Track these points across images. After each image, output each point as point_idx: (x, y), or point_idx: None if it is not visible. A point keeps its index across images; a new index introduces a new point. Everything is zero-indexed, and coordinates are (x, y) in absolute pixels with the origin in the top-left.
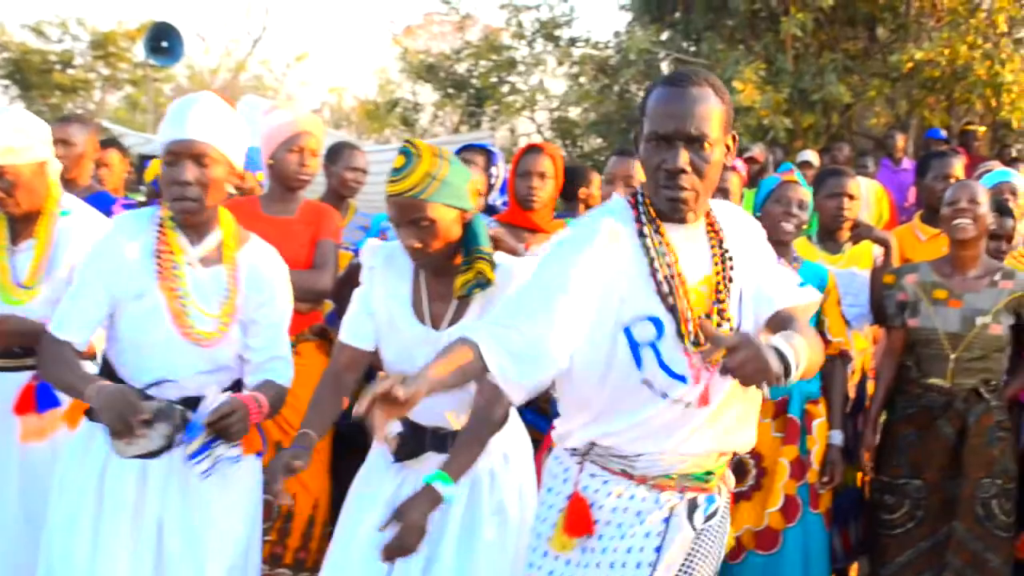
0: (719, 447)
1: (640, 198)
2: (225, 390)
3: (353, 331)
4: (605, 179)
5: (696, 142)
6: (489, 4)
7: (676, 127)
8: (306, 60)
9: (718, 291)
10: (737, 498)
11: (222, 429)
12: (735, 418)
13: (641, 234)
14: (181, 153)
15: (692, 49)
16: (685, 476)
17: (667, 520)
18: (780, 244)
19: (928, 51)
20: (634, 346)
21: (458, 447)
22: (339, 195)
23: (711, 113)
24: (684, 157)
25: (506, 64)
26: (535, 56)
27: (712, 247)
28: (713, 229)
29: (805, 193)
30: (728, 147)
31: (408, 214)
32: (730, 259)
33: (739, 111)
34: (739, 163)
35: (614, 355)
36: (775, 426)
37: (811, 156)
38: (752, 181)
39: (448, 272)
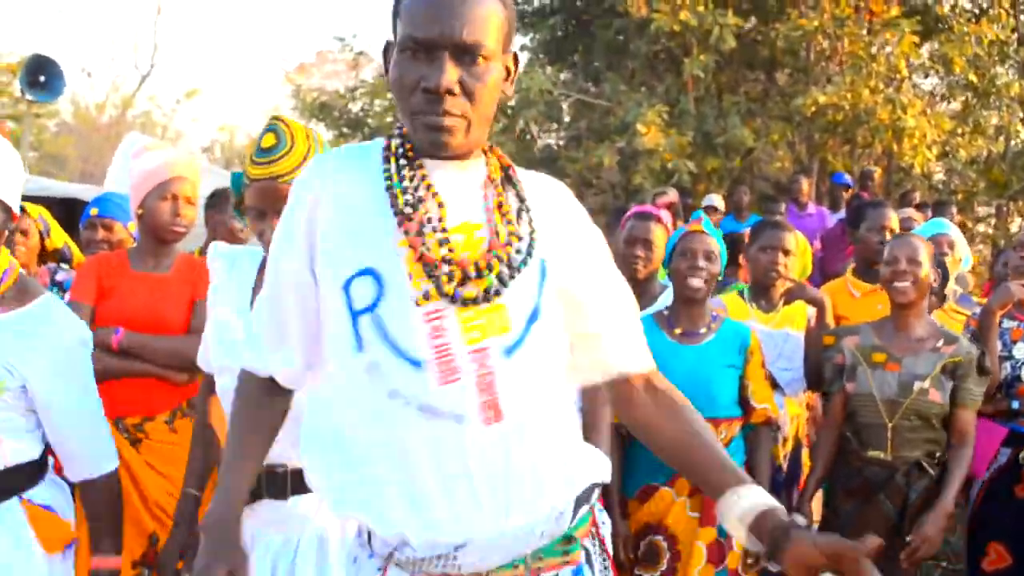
0: (564, 491)
1: (397, 133)
2: None
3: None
4: None
5: (467, 54)
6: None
7: (441, 31)
8: (196, 97)
9: (492, 240)
10: None
11: None
12: (561, 433)
13: (386, 162)
14: None
15: (593, 90)
16: (535, 556)
17: None
18: (692, 303)
19: (831, 95)
20: (352, 314)
21: None
22: None
23: (488, 16)
24: (451, 73)
25: None
26: None
27: (490, 194)
28: (507, 178)
29: (713, 243)
30: (509, 70)
31: (279, 203)
32: (512, 212)
33: (642, 154)
34: (664, 213)
35: (336, 331)
36: (691, 505)
37: (716, 200)
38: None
39: None
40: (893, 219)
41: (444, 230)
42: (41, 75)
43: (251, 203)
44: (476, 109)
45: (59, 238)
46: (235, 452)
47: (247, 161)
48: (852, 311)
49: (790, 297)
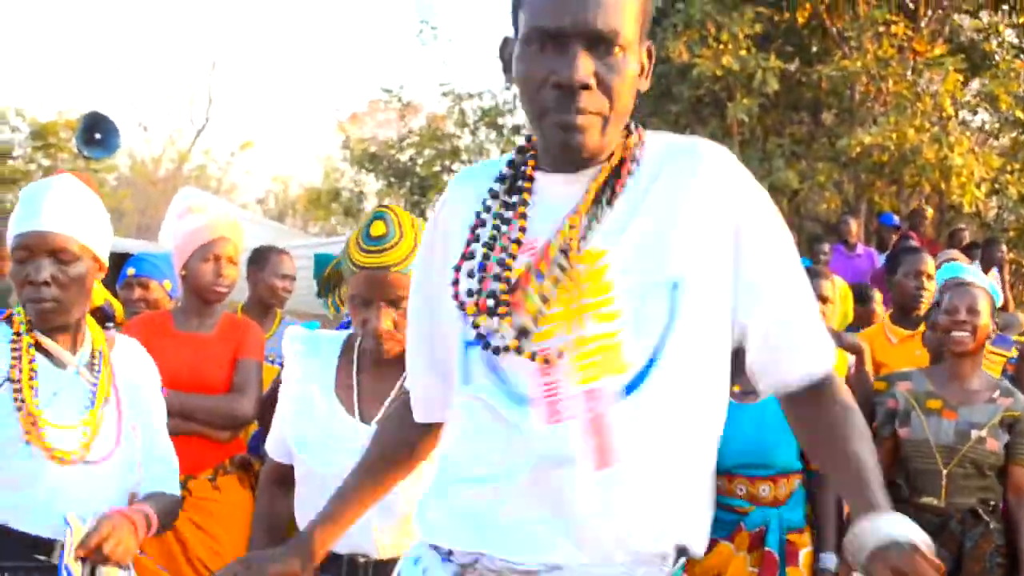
0: (656, 540)
1: (521, 152)
2: None
3: (278, 444)
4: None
5: (603, 44)
6: (432, 92)
7: (573, 20)
8: (251, 149)
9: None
10: None
11: (103, 556)
12: (670, 482)
13: (499, 182)
14: (36, 248)
15: None
16: None
17: None
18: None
19: (876, 136)
20: (464, 344)
21: None
22: (265, 304)
23: (624, 1)
24: (585, 65)
25: (449, 153)
26: (478, 144)
27: (593, 193)
28: (621, 171)
29: None
30: (643, 64)
31: (387, 292)
32: (596, 210)
33: None
34: None
35: (453, 362)
36: (750, 560)
37: None
38: None
39: (388, 364)
40: (929, 264)
41: (504, 265)
42: (97, 132)
43: (357, 291)
44: (614, 106)
45: (99, 296)
46: (360, 469)
47: (353, 248)
48: (889, 357)
49: None
